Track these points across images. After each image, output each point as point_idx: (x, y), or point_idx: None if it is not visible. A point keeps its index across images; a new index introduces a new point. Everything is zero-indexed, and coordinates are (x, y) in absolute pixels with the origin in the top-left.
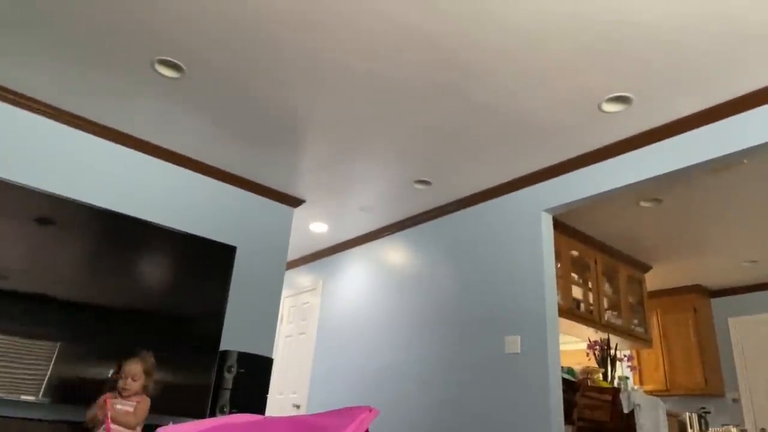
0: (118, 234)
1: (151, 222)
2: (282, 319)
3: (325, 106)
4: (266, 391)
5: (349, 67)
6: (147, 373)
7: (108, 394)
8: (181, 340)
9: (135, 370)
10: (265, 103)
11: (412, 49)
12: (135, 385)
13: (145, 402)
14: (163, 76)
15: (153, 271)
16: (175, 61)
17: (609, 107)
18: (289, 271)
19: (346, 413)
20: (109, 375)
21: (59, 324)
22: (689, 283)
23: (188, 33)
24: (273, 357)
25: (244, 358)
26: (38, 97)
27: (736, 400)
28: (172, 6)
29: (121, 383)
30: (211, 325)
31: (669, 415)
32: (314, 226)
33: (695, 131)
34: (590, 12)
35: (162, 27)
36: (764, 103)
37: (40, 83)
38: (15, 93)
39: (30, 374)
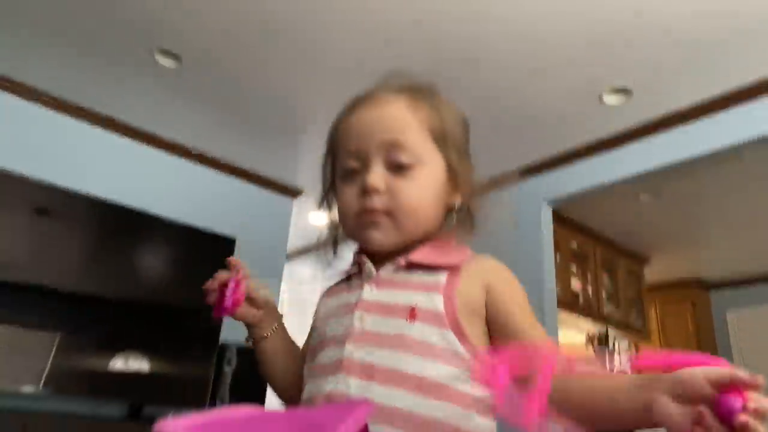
0: (118, 225)
1: (150, 213)
2: (282, 311)
3: (324, 95)
4: (266, 384)
5: (349, 57)
6: None
7: None
8: (180, 332)
9: None
10: (265, 92)
11: (412, 39)
12: None
13: None
14: (161, 65)
15: (152, 263)
16: (174, 50)
17: (610, 99)
18: (288, 262)
19: (344, 406)
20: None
21: (59, 315)
22: (688, 276)
23: (187, 23)
24: None
25: (244, 351)
26: (37, 87)
27: None
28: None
29: None
30: (211, 318)
31: None
32: (314, 217)
33: (695, 123)
34: (591, 5)
35: (161, 17)
36: (759, 96)
37: (38, 73)
38: (13, 82)
39: (30, 365)
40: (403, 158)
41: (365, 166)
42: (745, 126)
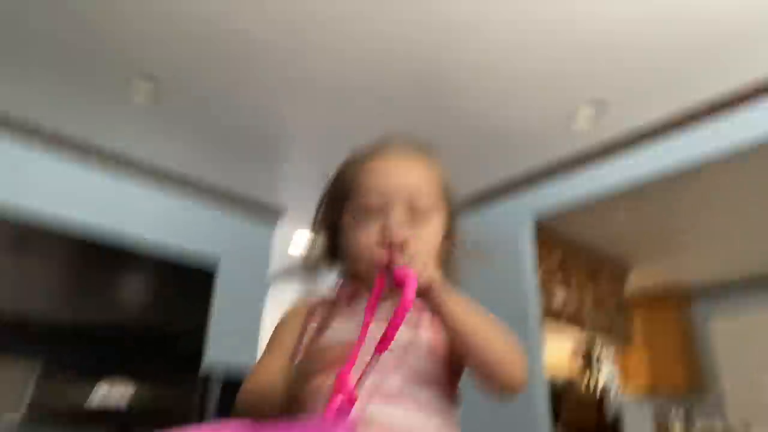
0: (99, 253)
1: (130, 241)
2: (266, 333)
3: (305, 120)
4: None
5: (329, 82)
6: None
7: None
8: (164, 357)
9: None
10: (245, 115)
11: (391, 60)
12: None
13: None
14: (139, 91)
15: (133, 291)
16: (152, 76)
17: (585, 114)
18: (272, 283)
19: (329, 427)
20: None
21: (39, 344)
22: (670, 283)
23: (164, 48)
24: None
25: (229, 374)
26: (10, 118)
27: (719, 398)
28: (148, 23)
29: None
30: (194, 342)
31: (654, 415)
32: (297, 239)
33: (671, 135)
34: (564, 21)
35: (138, 44)
36: (737, 107)
37: (12, 103)
38: None
39: (10, 394)
40: (424, 205)
41: (388, 209)
42: (718, 138)
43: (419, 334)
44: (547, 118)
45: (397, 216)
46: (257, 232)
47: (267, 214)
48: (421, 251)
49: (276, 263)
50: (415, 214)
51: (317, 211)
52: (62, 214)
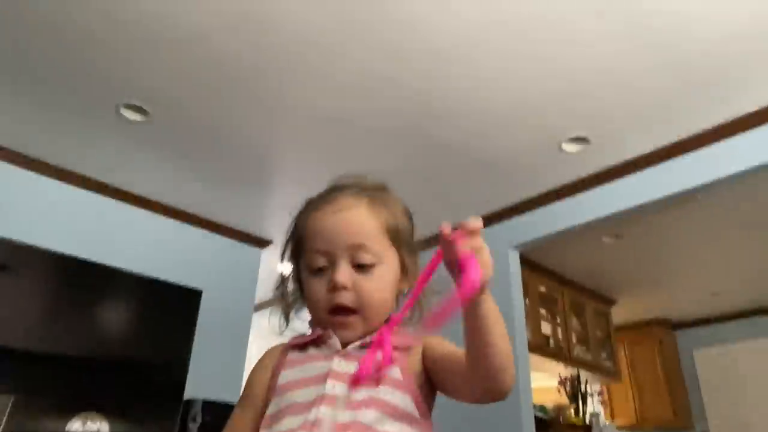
0: (78, 280)
1: (111, 267)
2: (250, 363)
3: (292, 146)
4: None
5: (318, 108)
6: None
7: None
8: (143, 389)
9: None
10: (233, 144)
11: (378, 91)
12: None
13: None
14: (128, 120)
15: (114, 318)
16: (141, 105)
17: (569, 147)
18: (257, 313)
19: None
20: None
21: (13, 375)
22: (654, 316)
23: (153, 77)
24: None
25: (210, 407)
26: None
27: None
28: (136, 51)
29: None
30: (175, 373)
31: None
32: (283, 268)
33: (649, 169)
34: (549, 58)
35: (126, 73)
36: (712, 142)
37: (1, 128)
38: None
39: None
40: (367, 259)
41: (333, 264)
42: (697, 171)
43: (392, 369)
44: (531, 152)
45: (341, 272)
46: (242, 262)
47: (253, 243)
48: (372, 296)
49: (261, 293)
50: (362, 267)
51: (282, 255)
52: (41, 240)
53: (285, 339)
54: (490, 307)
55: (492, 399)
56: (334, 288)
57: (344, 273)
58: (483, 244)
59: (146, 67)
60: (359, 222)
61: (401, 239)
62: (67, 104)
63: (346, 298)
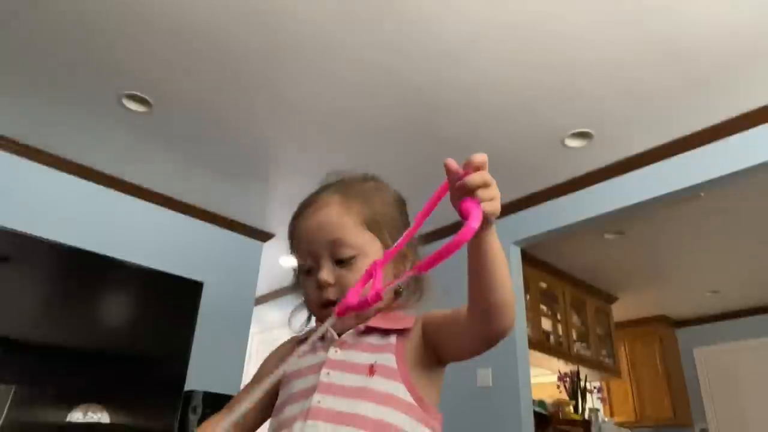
0: (80, 271)
1: (112, 257)
2: (251, 356)
3: (294, 140)
4: None
5: (320, 102)
6: None
7: None
8: (144, 380)
9: None
10: (235, 137)
11: (381, 86)
12: None
13: None
14: (130, 110)
15: (115, 309)
16: (143, 95)
17: (572, 143)
18: (258, 306)
19: None
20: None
21: (14, 366)
22: (655, 313)
23: (156, 68)
24: None
25: (211, 398)
26: (1, 133)
27: (704, 430)
28: (138, 42)
29: None
30: (176, 365)
31: None
32: (284, 261)
33: (652, 166)
34: (551, 53)
35: (129, 63)
36: (715, 140)
37: (3, 119)
38: None
39: None
40: (346, 253)
41: (317, 264)
42: (700, 168)
43: (374, 381)
44: (534, 148)
45: (323, 271)
46: (244, 254)
47: (254, 236)
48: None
49: (262, 285)
50: (342, 261)
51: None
52: (42, 231)
53: (289, 331)
54: (495, 244)
55: (495, 337)
56: (320, 286)
57: (326, 270)
58: (489, 177)
59: (148, 57)
60: (332, 219)
61: (381, 226)
62: (69, 94)
63: (332, 294)
